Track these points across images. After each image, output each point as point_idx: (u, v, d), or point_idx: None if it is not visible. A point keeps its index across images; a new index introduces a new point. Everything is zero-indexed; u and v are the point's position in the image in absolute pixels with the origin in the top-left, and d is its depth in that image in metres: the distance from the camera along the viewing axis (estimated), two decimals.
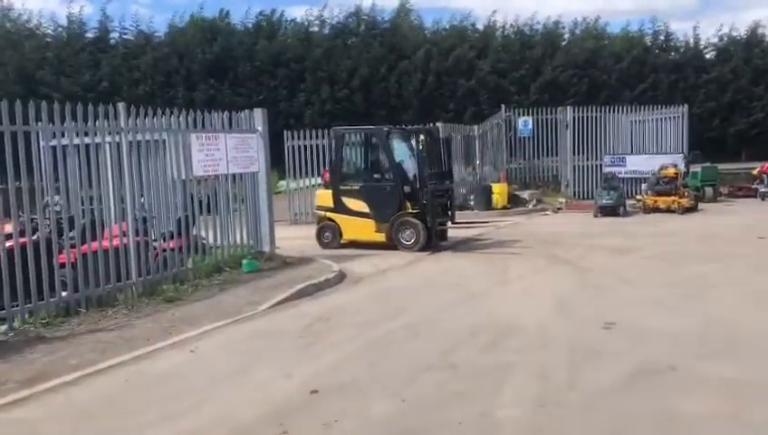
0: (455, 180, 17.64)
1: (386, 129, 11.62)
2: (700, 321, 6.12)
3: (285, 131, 16.88)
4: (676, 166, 17.11)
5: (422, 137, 10.97)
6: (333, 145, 11.85)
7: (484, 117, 22.99)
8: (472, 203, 17.47)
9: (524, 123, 21.59)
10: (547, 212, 17.36)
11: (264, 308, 7.06)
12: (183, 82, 26.35)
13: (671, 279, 8.13)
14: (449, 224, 11.73)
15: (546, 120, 21.71)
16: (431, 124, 16.90)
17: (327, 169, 12.85)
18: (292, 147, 16.76)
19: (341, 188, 11.50)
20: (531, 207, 17.93)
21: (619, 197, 16.17)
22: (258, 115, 10.17)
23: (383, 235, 11.07)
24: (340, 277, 8.73)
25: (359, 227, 11.31)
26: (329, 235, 11.64)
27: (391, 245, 10.93)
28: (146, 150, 8.08)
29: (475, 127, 19.60)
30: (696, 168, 19.20)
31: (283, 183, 18.17)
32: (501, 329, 6.03)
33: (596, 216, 15.91)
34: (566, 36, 29.98)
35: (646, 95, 26.60)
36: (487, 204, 17.03)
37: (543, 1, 52.77)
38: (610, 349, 5.34)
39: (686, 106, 21.49)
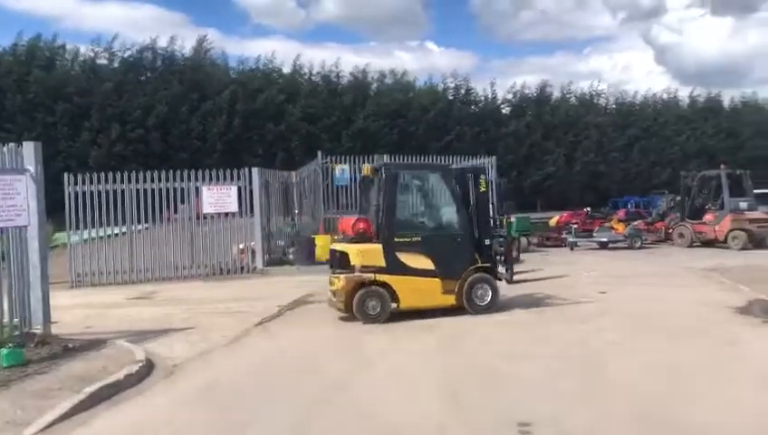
0: (273, 232, 16.00)
1: (452, 167, 9.67)
2: (625, 415, 4.95)
3: (66, 175, 14.00)
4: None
5: (483, 177, 9.34)
6: (384, 186, 8.87)
7: (296, 163, 21.58)
8: (292, 257, 15.72)
9: (341, 171, 20.49)
10: None
11: (34, 433, 4.69)
12: None
13: (553, 349, 7.04)
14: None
15: (361, 168, 20.81)
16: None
17: (358, 217, 9.45)
18: (75, 193, 13.92)
19: (397, 241, 8.87)
20: None
21: None
22: (29, 151, 7.62)
23: (452, 297, 8.99)
24: (148, 368, 6.47)
25: (421, 290, 8.89)
26: (376, 304, 8.71)
27: (458, 308, 8.95)
28: None
29: (293, 174, 18.00)
30: (511, 218, 19.29)
31: (59, 235, 15.13)
32: None
33: None
34: (374, 87, 29.79)
35: (452, 146, 27.02)
36: (309, 258, 15.37)
37: (339, 56, 53.49)
38: None
39: (494, 157, 21.90)
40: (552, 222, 22.72)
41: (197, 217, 14.89)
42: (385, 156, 20.87)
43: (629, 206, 26.78)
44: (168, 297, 11.81)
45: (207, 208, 14.79)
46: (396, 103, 27.81)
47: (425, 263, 8.92)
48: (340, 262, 8.97)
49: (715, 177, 19.71)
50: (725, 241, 18.59)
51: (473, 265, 9.16)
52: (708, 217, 19.27)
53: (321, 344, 7.73)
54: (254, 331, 8.49)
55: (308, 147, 23.97)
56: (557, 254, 18.56)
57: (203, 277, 14.49)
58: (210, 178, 14.87)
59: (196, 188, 14.78)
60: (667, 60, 73.86)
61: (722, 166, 19.70)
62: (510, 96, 31.62)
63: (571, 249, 19.44)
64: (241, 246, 15.15)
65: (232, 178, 14.98)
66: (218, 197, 14.80)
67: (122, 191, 14.26)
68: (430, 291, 8.95)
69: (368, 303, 8.71)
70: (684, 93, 35.42)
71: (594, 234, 20.64)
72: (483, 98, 31.07)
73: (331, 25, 73.46)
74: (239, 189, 14.97)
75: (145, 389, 5.92)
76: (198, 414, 5.26)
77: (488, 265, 9.31)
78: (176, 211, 14.74)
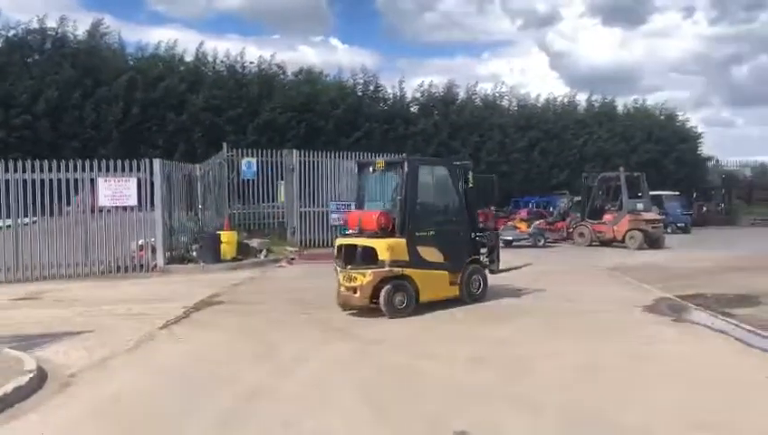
0: (175, 227, 15.15)
1: (456, 162, 10.11)
2: (562, 420, 4.84)
3: None
4: None
5: (471, 173, 9.83)
6: (407, 181, 8.84)
7: (198, 155, 20.67)
8: (195, 254, 14.92)
9: (248, 165, 19.86)
10: (282, 264, 15.58)
11: None
12: None
13: (477, 351, 6.87)
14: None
15: (269, 162, 20.33)
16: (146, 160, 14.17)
17: (381, 211, 9.02)
18: None
19: (418, 235, 8.93)
20: (263, 257, 16.00)
21: None
22: None
23: (456, 288, 9.44)
24: (39, 380, 5.75)
25: (435, 282, 9.17)
26: (402, 298, 8.74)
27: (460, 299, 9.45)
28: None
29: (197, 166, 17.14)
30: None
31: None
32: None
33: None
34: (280, 78, 28.97)
35: (360, 143, 26.75)
36: (215, 255, 14.65)
37: (244, 47, 52.25)
38: None
39: (405, 155, 21.84)
40: None
41: (92, 211, 13.83)
42: (294, 150, 20.41)
43: (531, 205, 27.55)
44: (59, 298, 10.84)
45: (104, 201, 13.77)
46: (303, 96, 27.12)
47: (437, 256, 9.21)
48: (363, 257, 8.83)
49: (614, 178, 20.54)
50: (623, 240, 19.40)
51: (470, 256, 9.72)
52: (607, 217, 20.06)
53: (233, 348, 7.23)
54: (158, 335, 7.87)
55: (211, 139, 22.97)
56: None
57: (98, 276, 13.49)
58: (107, 169, 13.86)
59: (92, 180, 13.73)
60: (561, 66, 77.22)
61: (621, 168, 20.55)
62: (418, 95, 31.65)
63: None
64: (140, 242, 14.22)
65: (131, 170, 14.03)
66: (116, 189, 13.82)
67: (6, 181, 13.05)
68: (441, 283, 9.29)
69: (395, 297, 8.71)
70: (582, 98, 36.68)
71: (499, 232, 21.00)
72: (391, 96, 30.90)
73: (233, 16, 71.56)
74: (139, 181, 14.04)
75: (37, 404, 5.25)
76: (100, 432, 4.69)
77: (478, 256, 9.96)
78: (68, 204, 13.63)
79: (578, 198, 23.68)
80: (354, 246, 9.00)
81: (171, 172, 14.96)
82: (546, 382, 5.78)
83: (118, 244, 13.97)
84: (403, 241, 8.82)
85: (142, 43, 28.52)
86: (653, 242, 19.20)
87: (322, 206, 20.01)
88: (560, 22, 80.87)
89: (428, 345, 7.29)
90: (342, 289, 9.02)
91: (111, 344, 7.24)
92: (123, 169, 13.97)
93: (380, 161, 9.57)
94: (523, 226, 21.51)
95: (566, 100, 36.09)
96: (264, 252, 16.33)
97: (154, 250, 14.24)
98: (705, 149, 38.59)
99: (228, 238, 15.22)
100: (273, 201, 20.56)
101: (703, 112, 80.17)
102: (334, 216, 19.46)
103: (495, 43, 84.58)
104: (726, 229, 29.50)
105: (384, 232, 8.85)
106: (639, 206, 19.81)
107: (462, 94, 32.74)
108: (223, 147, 19.64)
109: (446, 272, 9.33)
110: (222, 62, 27.79)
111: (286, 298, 10.51)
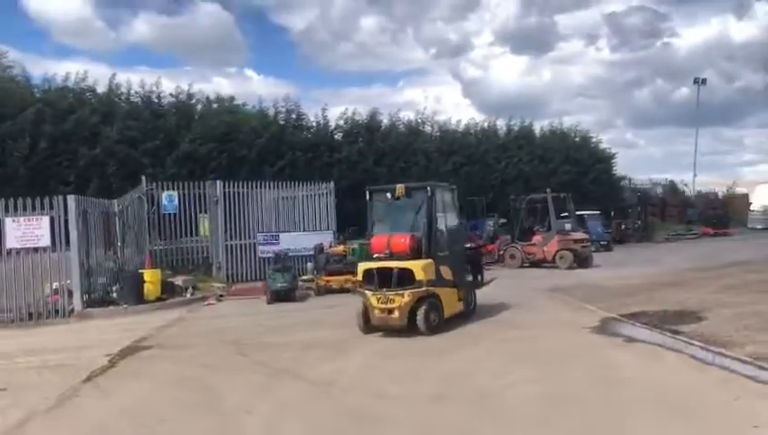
0: (93, 267, 14.12)
1: (453, 187, 10.84)
2: None
3: None
4: (345, 242, 16.49)
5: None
6: (428, 204, 9.46)
7: (114, 190, 19.51)
8: (116, 296, 13.90)
9: (169, 198, 18.98)
10: (211, 302, 14.73)
11: None
12: None
13: (435, 386, 6.48)
14: None
15: (191, 195, 19.51)
16: (57, 197, 13.18)
17: (406, 234, 9.39)
18: None
19: (439, 255, 9.60)
20: (189, 296, 15.11)
21: (293, 278, 14.57)
22: None
23: (461, 303, 10.21)
24: None
25: (451, 299, 9.84)
26: (435, 316, 9.31)
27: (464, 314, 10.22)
28: None
29: (115, 202, 16.11)
30: (354, 244, 18.92)
31: None
32: None
33: (270, 302, 14.01)
34: (200, 108, 28.05)
35: (285, 172, 26.16)
36: (138, 296, 13.69)
37: (159, 77, 50.56)
38: None
39: (332, 183, 21.58)
40: None
41: None
42: (217, 181, 19.65)
43: None
44: None
45: (12, 243, 12.65)
46: (224, 126, 26.28)
47: (450, 274, 9.82)
48: (399, 279, 9.15)
49: (541, 200, 20.79)
50: (553, 261, 19.58)
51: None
52: (537, 238, 20.24)
53: (169, 400, 6.56)
54: (82, 389, 7.09)
55: (128, 172, 21.81)
56: None
57: (8, 324, 12.32)
58: (15, 209, 12.77)
59: None
60: (474, 93, 79.16)
61: (547, 190, 20.85)
62: (342, 123, 31.34)
63: None
64: (55, 286, 13.13)
65: (42, 208, 12.98)
66: (26, 229, 12.74)
67: None
68: (454, 300, 9.93)
69: (429, 315, 9.15)
70: (501, 123, 37.27)
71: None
72: (315, 124, 30.45)
73: (143, 48, 69.50)
74: (52, 220, 12.99)
75: None
76: None
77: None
78: None
79: (504, 220, 23.88)
80: (388, 269, 9.21)
81: (87, 209, 13.96)
82: (515, 416, 5.45)
83: (29, 288, 12.83)
84: (431, 261, 9.33)
85: (49, 75, 26.59)
86: (582, 261, 19.48)
87: (249, 238, 19.27)
88: (471, 51, 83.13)
89: (382, 383, 6.85)
90: (377, 312, 9.24)
91: (28, 403, 6.46)
92: (33, 208, 12.91)
93: (401, 188, 9.70)
94: None
95: (486, 125, 36.71)
96: (189, 290, 15.45)
97: (71, 293, 13.17)
98: (617, 169, 40.18)
99: (151, 277, 14.28)
100: (195, 235, 19.68)
101: (609, 134, 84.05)
102: (262, 248, 18.80)
103: (410, 72, 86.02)
104: (645, 245, 30.58)
105: (414, 254, 9.25)
106: (567, 226, 20.11)
107: (385, 121, 32.75)
108: (141, 180, 18.66)
109: (456, 289, 9.98)
110: (136, 93, 26.61)
111: (220, 339, 9.83)
